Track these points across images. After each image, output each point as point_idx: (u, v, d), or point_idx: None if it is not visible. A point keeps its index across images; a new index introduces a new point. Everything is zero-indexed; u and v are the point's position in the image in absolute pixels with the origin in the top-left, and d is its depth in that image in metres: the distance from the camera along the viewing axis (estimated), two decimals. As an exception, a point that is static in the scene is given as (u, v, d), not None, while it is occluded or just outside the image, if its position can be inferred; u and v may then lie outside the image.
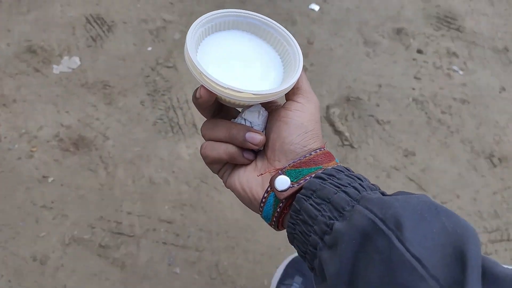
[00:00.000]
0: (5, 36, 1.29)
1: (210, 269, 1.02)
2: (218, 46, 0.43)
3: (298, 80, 0.41)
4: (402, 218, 0.30)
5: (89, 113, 1.18)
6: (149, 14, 1.38)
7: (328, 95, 1.33)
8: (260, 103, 0.42)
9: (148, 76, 1.26)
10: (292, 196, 0.38)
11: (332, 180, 0.36)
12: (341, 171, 0.38)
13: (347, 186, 0.36)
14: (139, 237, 1.03)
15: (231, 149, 0.41)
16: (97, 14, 1.35)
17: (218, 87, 0.38)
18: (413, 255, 0.28)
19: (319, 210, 0.35)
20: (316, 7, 1.51)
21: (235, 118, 0.43)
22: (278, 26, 0.44)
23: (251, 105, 0.42)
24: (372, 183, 0.38)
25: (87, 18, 1.35)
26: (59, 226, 1.03)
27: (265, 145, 0.42)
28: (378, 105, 1.34)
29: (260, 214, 0.40)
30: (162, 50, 1.31)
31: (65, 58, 1.27)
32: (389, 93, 1.36)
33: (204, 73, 0.38)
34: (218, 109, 0.44)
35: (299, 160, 0.39)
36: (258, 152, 0.43)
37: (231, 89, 0.37)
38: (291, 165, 0.39)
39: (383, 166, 1.22)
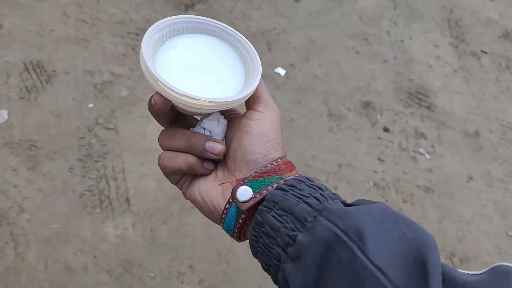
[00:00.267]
0: None
1: None
2: (178, 51, 0.41)
3: (257, 88, 0.41)
4: (363, 228, 0.31)
5: (7, 178, 1.04)
6: (97, 65, 1.26)
7: (283, 172, 1.22)
8: (219, 111, 0.41)
9: (83, 138, 1.13)
10: (254, 207, 0.38)
11: (294, 191, 0.36)
12: (302, 181, 0.37)
13: (308, 197, 0.36)
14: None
15: (190, 159, 0.40)
16: (38, 61, 1.23)
17: (173, 94, 0.36)
18: (375, 266, 0.29)
19: (281, 222, 0.35)
20: (282, 71, 1.41)
21: (193, 126, 0.42)
22: (237, 34, 0.43)
23: (210, 113, 0.41)
24: (332, 192, 0.38)
25: (25, 65, 1.22)
26: None
27: (226, 154, 0.41)
28: (336, 188, 1.23)
29: (222, 226, 0.40)
30: (104, 108, 1.19)
31: (-7, 109, 1.14)
32: (349, 174, 1.26)
33: (160, 79, 0.36)
34: (176, 117, 0.43)
35: (260, 170, 0.39)
36: (218, 162, 0.42)
37: (187, 96, 0.36)
38: (252, 175, 0.38)
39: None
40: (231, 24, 1.44)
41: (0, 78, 1.18)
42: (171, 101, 0.38)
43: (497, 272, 0.31)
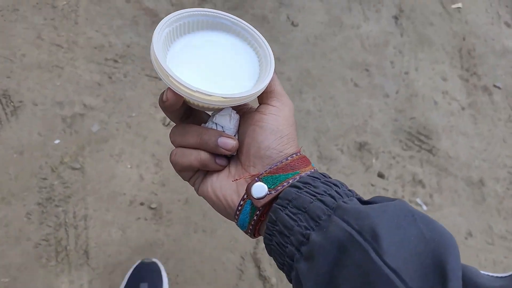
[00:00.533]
0: None
1: None
2: (190, 47, 0.40)
3: (270, 83, 0.40)
4: (378, 228, 0.30)
5: (-42, 224, 0.97)
6: (68, 95, 1.17)
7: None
8: (231, 106, 0.40)
9: (45, 179, 1.05)
10: (270, 203, 0.37)
11: (308, 188, 0.35)
12: (317, 178, 0.37)
13: (323, 194, 0.35)
14: None
15: (202, 155, 0.39)
16: (4, 90, 1.14)
17: (186, 90, 0.36)
18: (390, 268, 0.28)
19: (295, 220, 0.34)
20: (270, 105, 1.31)
21: (205, 122, 0.41)
22: (249, 27, 0.42)
23: (222, 108, 0.40)
24: (349, 188, 0.37)
25: (-9, 94, 1.14)
26: None
27: (238, 150, 0.40)
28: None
29: (236, 222, 0.39)
30: (71, 145, 1.10)
31: (-48, 141, 1.06)
32: (336, 226, 1.15)
33: (171, 75, 0.35)
34: (187, 113, 0.42)
35: (275, 166, 0.38)
36: (231, 157, 0.41)
37: (200, 92, 0.35)
38: (267, 171, 0.38)
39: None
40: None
41: (-38, 109, 1.10)
42: (183, 97, 0.37)
43: None
